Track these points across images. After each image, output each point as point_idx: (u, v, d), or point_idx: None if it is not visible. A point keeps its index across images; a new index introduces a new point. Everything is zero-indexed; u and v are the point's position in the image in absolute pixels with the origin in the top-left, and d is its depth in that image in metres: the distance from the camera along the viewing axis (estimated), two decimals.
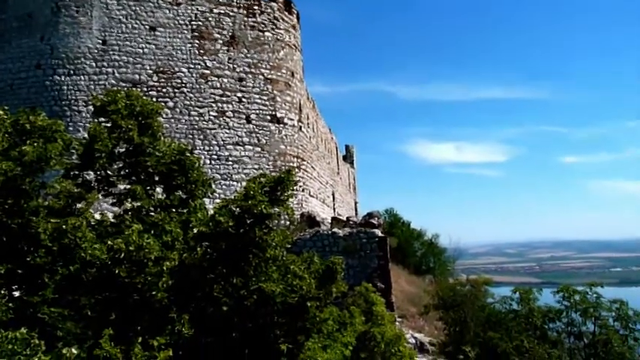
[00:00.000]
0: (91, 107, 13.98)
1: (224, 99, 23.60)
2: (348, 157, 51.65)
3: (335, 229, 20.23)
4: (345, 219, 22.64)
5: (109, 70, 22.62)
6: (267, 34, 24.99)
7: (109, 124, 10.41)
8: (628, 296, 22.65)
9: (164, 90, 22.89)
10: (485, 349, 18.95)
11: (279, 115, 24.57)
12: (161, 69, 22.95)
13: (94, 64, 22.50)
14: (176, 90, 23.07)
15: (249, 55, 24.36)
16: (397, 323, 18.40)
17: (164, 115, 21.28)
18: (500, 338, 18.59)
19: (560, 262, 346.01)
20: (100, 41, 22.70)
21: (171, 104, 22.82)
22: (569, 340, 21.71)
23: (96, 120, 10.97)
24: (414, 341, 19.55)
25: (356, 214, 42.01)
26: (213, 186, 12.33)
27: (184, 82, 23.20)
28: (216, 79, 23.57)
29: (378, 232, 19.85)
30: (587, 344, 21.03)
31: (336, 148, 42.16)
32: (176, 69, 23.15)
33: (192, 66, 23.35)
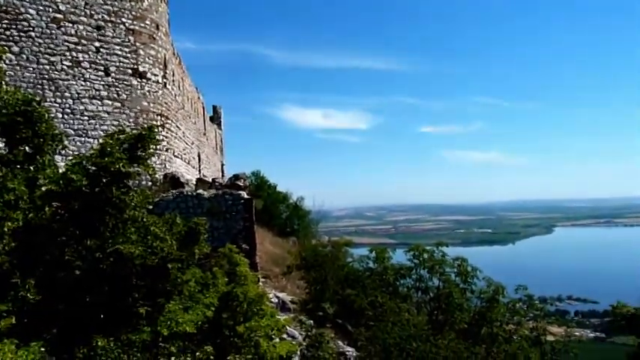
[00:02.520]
0: None
1: (79, 48, 21.62)
2: (215, 118, 50.53)
3: (200, 191, 19.83)
4: (210, 180, 22.24)
5: None
6: None
7: None
8: (468, 255, 25.27)
9: (7, 33, 20.39)
10: (343, 305, 20.08)
11: (141, 69, 23.16)
12: (4, 8, 20.37)
13: None
14: (22, 34, 20.66)
15: (108, 2, 22.48)
16: (260, 283, 18.72)
17: (7, 61, 19.07)
18: (357, 295, 19.79)
19: (413, 225, 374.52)
20: None
21: (16, 49, 20.43)
22: (418, 294, 23.80)
23: None
24: (276, 300, 20.05)
25: (222, 175, 41.48)
26: (66, 142, 11.38)
27: (32, 25, 20.83)
28: (70, 25, 21.47)
29: (244, 194, 19.82)
30: (432, 298, 23.22)
31: (203, 108, 40.98)
32: (22, 9, 20.69)
33: (41, 8, 20.99)
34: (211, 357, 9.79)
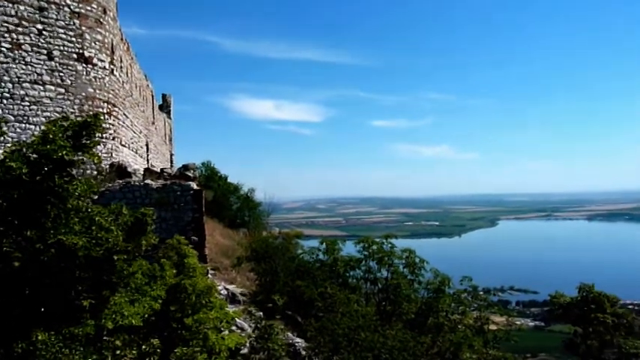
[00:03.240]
0: None
1: (20, 29, 20.61)
2: (164, 107, 49.35)
3: (148, 181, 19.38)
4: (159, 171, 21.76)
5: None
6: None
7: None
8: (417, 247, 25.81)
9: None
10: (293, 296, 20.11)
11: (87, 54, 22.32)
12: None
13: None
14: None
15: None
16: (210, 275, 18.52)
17: None
18: (307, 286, 19.86)
19: (364, 217, 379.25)
20: None
21: None
22: (367, 285, 24.15)
23: None
24: (226, 292, 19.90)
25: (171, 166, 40.65)
26: (5, 128, 10.87)
27: None
28: (10, 5, 20.42)
29: (194, 185, 19.51)
30: (381, 289, 23.60)
31: (152, 96, 39.96)
32: None
33: None
34: (158, 350, 9.63)
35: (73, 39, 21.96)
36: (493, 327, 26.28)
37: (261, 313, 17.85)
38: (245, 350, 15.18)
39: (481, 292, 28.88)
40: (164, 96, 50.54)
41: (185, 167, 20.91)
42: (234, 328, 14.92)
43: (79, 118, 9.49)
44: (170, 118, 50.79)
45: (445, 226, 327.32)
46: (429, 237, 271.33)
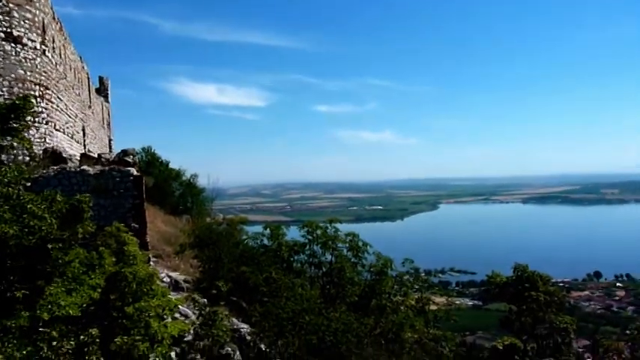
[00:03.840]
0: None
1: None
2: (102, 90, 47.55)
3: (84, 167, 18.66)
4: (96, 156, 20.99)
5: None
6: None
7: None
8: (361, 230, 26.25)
9: None
10: (238, 282, 20.01)
11: (16, 33, 21.12)
12: None
13: None
14: None
15: None
16: (151, 263, 18.17)
17: None
18: (252, 272, 19.80)
19: (309, 202, 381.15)
20: None
21: None
22: (311, 269, 24.37)
23: None
24: (168, 280, 19.58)
25: (110, 151, 39.35)
26: None
27: None
28: None
29: (133, 171, 18.95)
30: (325, 272, 23.88)
31: (88, 79, 38.36)
32: None
33: None
34: (97, 340, 9.40)
35: (0, 17, 20.75)
36: (434, 307, 27.14)
37: (205, 300, 17.68)
38: (189, 337, 15.04)
39: (423, 274, 29.74)
40: (101, 79, 48.70)
41: (124, 152, 20.27)
42: (177, 315, 14.71)
43: (7, 101, 9.01)
44: (108, 102, 49.05)
45: (388, 210, 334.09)
46: (373, 221, 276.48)
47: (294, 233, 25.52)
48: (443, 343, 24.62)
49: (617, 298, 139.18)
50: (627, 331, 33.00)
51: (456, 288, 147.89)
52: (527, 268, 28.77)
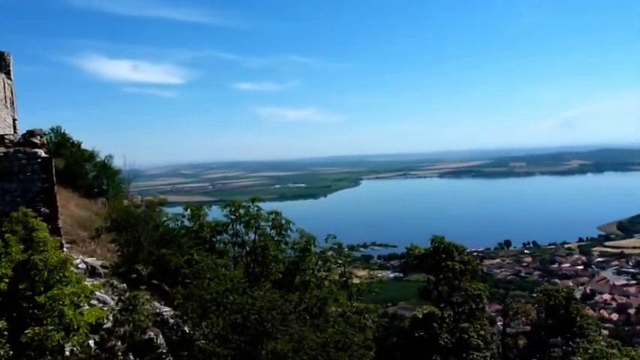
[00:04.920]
0: None
1: None
2: (3, 67, 44.10)
3: None
4: None
5: None
6: None
7: None
8: (284, 208, 26.35)
9: None
10: (159, 265, 19.54)
11: None
12: None
13: None
14: None
15: None
16: (65, 249, 17.31)
17: None
18: (173, 254, 19.40)
19: (232, 182, 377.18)
20: None
21: None
22: (235, 249, 24.25)
23: None
24: (84, 266, 18.79)
25: (15, 132, 36.75)
26: None
27: None
28: None
29: (42, 153, 17.84)
30: (248, 251, 23.86)
31: None
32: None
33: None
34: (5, 333, 8.89)
35: None
36: (357, 281, 27.89)
37: (124, 285, 17.14)
38: (108, 324, 14.56)
39: (345, 249, 30.41)
40: (1, 54, 45.13)
41: (30, 133, 19.01)
42: (94, 302, 14.18)
43: None
44: (10, 79, 45.63)
45: (311, 188, 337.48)
46: (297, 199, 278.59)
47: (216, 213, 25.20)
48: (366, 315, 25.43)
49: (525, 264, 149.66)
50: (533, 295, 35.50)
51: (378, 261, 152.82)
52: (443, 240, 30.07)
